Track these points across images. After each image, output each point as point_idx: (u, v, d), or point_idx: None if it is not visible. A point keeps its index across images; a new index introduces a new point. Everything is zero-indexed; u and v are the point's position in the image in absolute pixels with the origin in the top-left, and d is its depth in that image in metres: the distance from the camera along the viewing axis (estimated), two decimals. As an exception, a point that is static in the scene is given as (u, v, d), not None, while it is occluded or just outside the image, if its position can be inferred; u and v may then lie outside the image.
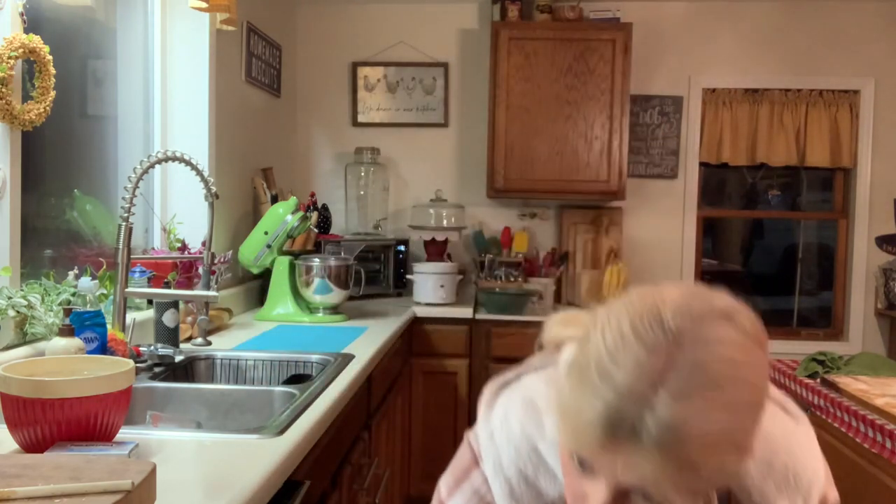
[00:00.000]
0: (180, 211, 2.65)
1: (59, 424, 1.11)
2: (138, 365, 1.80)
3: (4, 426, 1.17)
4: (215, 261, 2.53)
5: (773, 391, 0.87)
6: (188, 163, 1.93)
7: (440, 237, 3.61)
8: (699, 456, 0.67)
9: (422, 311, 3.29)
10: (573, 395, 0.72)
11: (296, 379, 2.04)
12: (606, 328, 0.72)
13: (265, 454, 1.24)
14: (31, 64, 1.80)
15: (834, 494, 0.92)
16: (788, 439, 0.87)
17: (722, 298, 0.74)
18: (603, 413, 0.68)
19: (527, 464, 0.88)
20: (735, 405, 0.68)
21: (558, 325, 0.94)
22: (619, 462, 0.69)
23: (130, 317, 1.96)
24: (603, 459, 0.71)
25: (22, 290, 1.75)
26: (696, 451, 0.67)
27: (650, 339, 0.69)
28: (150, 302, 2.23)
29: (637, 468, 0.68)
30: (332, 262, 2.80)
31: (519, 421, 0.89)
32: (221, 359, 2.11)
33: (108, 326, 1.76)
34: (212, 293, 1.96)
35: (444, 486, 0.96)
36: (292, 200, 2.84)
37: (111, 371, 1.18)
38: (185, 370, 2.04)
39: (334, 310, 2.84)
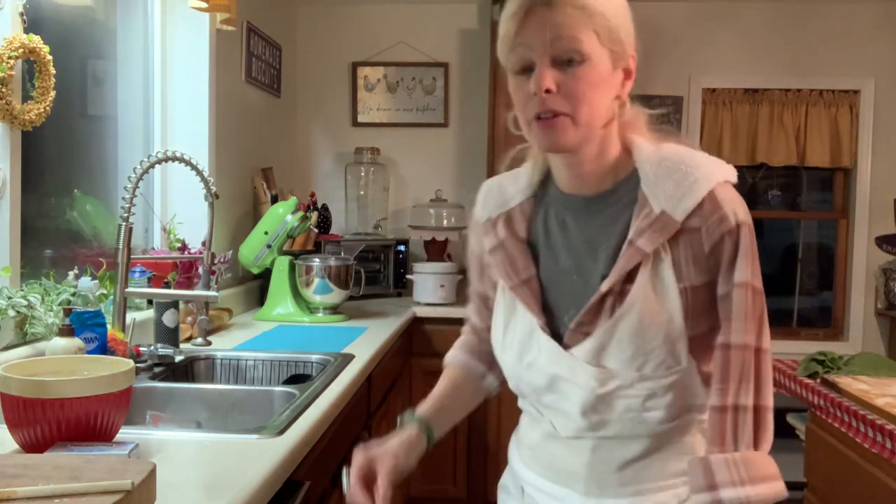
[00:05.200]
0: (180, 211, 2.65)
1: (59, 424, 1.11)
2: (138, 365, 1.79)
3: (4, 426, 1.17)
4: (215, 261, 2.53)
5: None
6: (188, 163, 1.93)
7: (440, 237, 3.61)
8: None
9: (422, 311, 3.29)
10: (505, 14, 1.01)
11: (296, 379, 2.04)
12: None
13: (265, 454, 1.24)
14: (31, 64, 1.80)
15: (744, 214, 1.01)
16: (691, 152, 1.05)
17: None
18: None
19: (492, 184, 1.31)
20: None
21: None
22: (542, 27, 0.97)
23: (130, 317, 1.96)
24: (530, 33, 0.98)
25: (22, 290, 1.75)
26: None
27: None
28: (150, 302, 2.23)
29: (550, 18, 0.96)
30: (332, 262, 2.80)
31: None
32: (221, 359, 2.11)
33: (108, 326, 1.76)
34: (212, 293, 1.96)
35: None
36: (292, 200, 2.84)
37: (111, 371, 1.18)
38: (185, 370, 2.04)
39: (334, 310, 2.84)
